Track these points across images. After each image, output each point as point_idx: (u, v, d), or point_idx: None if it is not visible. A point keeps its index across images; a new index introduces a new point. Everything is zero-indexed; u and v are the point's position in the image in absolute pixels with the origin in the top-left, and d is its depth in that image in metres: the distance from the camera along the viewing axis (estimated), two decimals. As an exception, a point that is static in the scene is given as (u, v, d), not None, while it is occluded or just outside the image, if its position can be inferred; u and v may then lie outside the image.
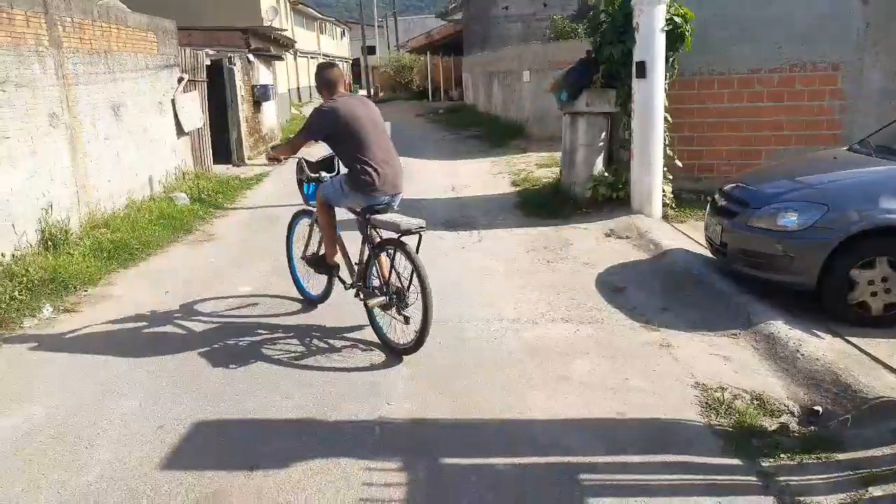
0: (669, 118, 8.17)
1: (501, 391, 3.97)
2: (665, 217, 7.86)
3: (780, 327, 4.52)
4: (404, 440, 3.49)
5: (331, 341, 4.76)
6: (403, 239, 4.34)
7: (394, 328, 4.54)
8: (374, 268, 4.67)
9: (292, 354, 4.56)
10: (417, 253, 4.30)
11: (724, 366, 4.20)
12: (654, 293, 5.52)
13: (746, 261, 5.15)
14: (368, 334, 4.75)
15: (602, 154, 8.56)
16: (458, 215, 8.70)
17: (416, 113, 26.90)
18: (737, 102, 8.57)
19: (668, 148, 8.13)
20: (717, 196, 5.82)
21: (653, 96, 7.59)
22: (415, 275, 4.24)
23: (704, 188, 8.04)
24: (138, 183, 9.20)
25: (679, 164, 8.25)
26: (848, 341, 4.28)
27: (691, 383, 3.98)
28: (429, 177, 11.89)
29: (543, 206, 8.71)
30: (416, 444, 3.43)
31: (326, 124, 4.58)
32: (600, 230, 7.56)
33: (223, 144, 14.30)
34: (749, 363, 4.23)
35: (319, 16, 47.93)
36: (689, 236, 6.94)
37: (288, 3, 37.59)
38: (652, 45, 7.46)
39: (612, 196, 8.34)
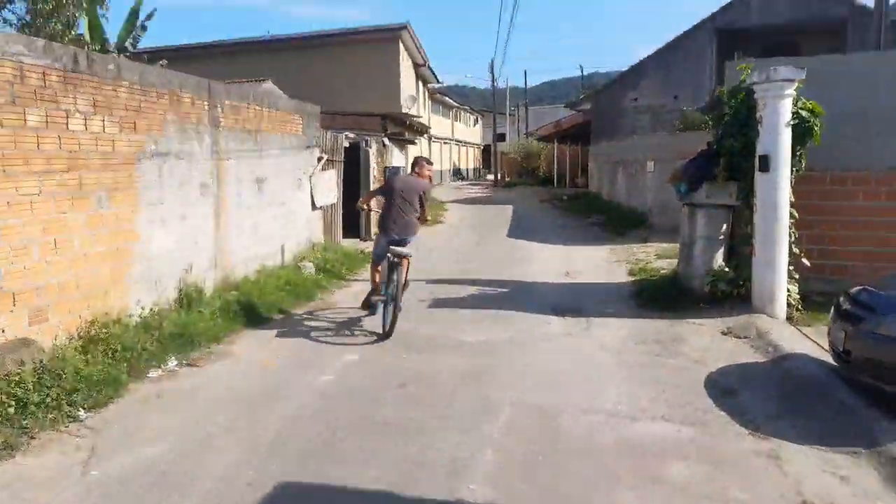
0: (796, 214, 7.78)
1: (589, 487, 3.83)
2: (790, 319, 7.38)
3: (912, 450, 4.07)
4: (480, 525, 3.44)
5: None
6: (398, 261, 7.04)
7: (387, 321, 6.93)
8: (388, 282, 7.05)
9: (375, 422, 4.66)
10: (407, 273, 7.28)
11: (840, 486, 3.82)
12: (768, 399, 5.15)
13: (872, 372, 4.73)
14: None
15: (722, 248, 8.25)
16: (569, 301, 8.61)
17: (541, 198, 27.26)
18: (874, 201, 8.07)
19: (793, 245, 7.71)
20: (842, 299, 5.45)
21: (776, 191, 7.30)
22: (398, 286, 6.90)
23: (836, 290, 7.47)
24: (271, 250, 9.93)
25: (806, 262, 7.77)
26: None
27: (798, 501, 3.64)
28: (545, 261, 11.94)
29: (659, 298, 8.44)
30: (491, 531, 3.38)
31: (382, 189, 7.87)
32: (717, 328, 7.20)
33: (354, 220, 15.20)
34: (870, 487, 3.81)
35: (455, 104, 50.39)
36: (815, 341, 6.45)
37: (427, 92, 39.98)
38: (776, 139, 7.23)
39: (733, 293, 7.95)
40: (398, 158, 18.02)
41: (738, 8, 23.10)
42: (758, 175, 7.45)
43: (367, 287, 9.67)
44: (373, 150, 15.20)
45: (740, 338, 6.85)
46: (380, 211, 7.67)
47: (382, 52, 27.62)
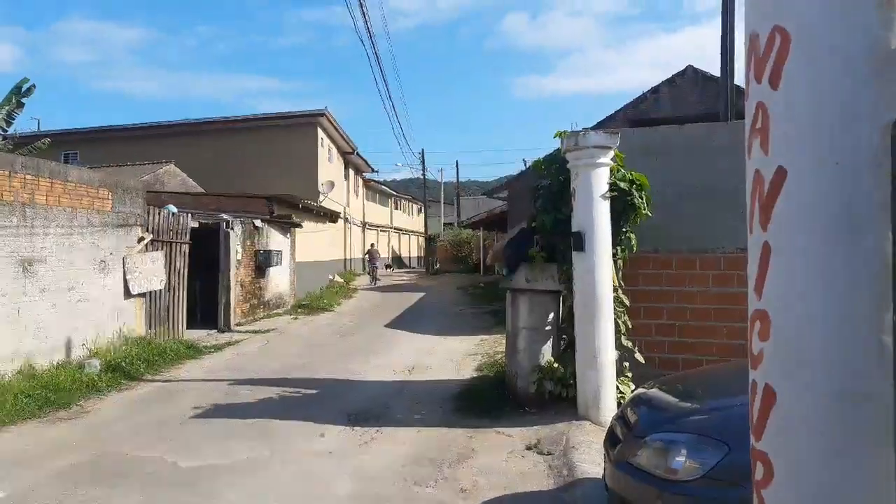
0: (626, 301, 6.67)
1: None
2: (617, 427, 6.07)
3: None
4: None
5: None
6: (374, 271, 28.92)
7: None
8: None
9: None
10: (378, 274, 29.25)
11: None
12: (512, 552, 3.75)
13: (626, 519, 3.39)
14: None
15: (550, 340, 7.01)
16: (378, 404, 7.19)
17: (458, 286, 26.08)
18: (726, 286, 7.04)
19: (623, 337, 6.55)
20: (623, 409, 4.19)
21: (594, 273, 6.17)
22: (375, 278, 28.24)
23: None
24: (47, 346, 8.34)
25: (640, 359, 6.59)
26: None
27: None
28: (399, 354, 10.56)
29: (481, 400, 7.10)
30: None
31: (369, 257, 29.93)
32: (525, 439, 5.84)
33: (211, 307, 13.69)
34: None
35: (393, 193, 49.92)
36: (623, 459, 5.11)
37: (361, 181, 39.42)
38: (590, 214, 6.18)
39: (563, 394, 6.68)
40: (278, 241, 16.69)
41: (650, 101, 23.22)
42: (574, 255, 6.34)
43: (157, 392, 8.20)
44: (236, 233, 13.87)
45: (543, 454, 5.49)
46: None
47: (300, 136, 27.03)
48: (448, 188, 60.96)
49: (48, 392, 7.35)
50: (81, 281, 9.06)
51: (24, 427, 6.47)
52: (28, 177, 8.08)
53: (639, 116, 23.25)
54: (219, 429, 6.29)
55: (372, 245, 32.73)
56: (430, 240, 43.00)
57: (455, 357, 10.24)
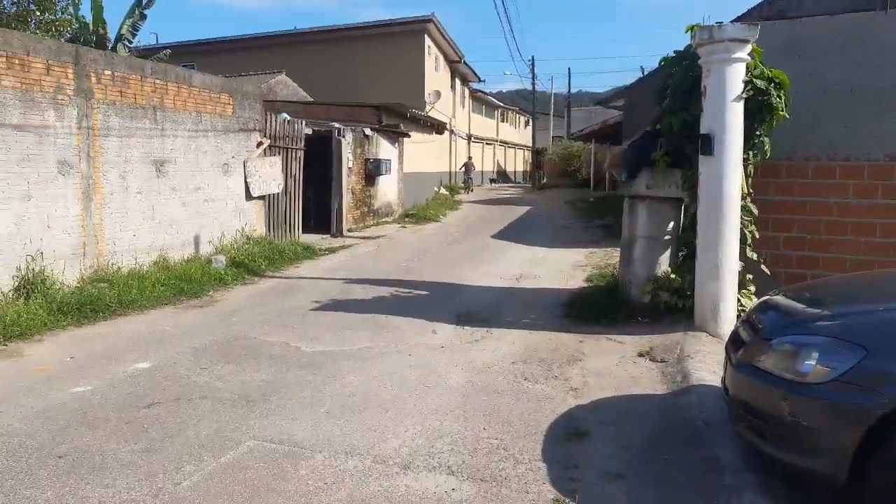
0: (754, 210, 6.26)
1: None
2: (736, 339, 5.83)
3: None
4: None
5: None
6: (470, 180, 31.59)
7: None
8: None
9: (53, 455, 3.53)
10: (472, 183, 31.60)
11: None
12: (625, 448, 3.74)
13: (747, 421, 3.27)
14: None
15: (669, 250, 6.75)
16: (487, 308, 7.28)
17: (566, 200, 25.60)
18: (868, 198, 6.47)
19: (748, 248, 6.19)
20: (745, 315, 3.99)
21: (722, 179, 5.79)
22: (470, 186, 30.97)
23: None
24: (179, 240, 8.98)
25: (766, 270, 6.24)
26: None
27: None
28: (506, 263, 10.58)
29: (592, 308, 7.02)
30: None
31: (464, 168, 32.26)
32: (637, 347, 5.75)
33: (325, 213, 14.20)
34: None
35: (500, 104, 48.88)
36: (742, 370, 4.92)
37: (467, 91, 38.81)
38: (722, 115, 5.73)
39: (679, 305, 6.46)
40: (387, 151, 16.86)
41: (789, -3, 21.06)
42: (701, 160, 5.96)
43: (278, 286, 8.68)
44: (347, 141, 14.12)
45: (656, 361, 5.39)
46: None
47: (406, 45, 26.69)
48: (558, 99, 58.94)
49: (181, 282, 7.97)
50: (207, 182, 9.58)
51: (161, 311, 7.08)
52: (157, 81, 8.47)
53: (774, 16, 21.27)
54: (337, 321, 6.61)
55: (469, 158, 34.64)
56: (537, 153, 42.07)
57: (563, 268, 10.14)
